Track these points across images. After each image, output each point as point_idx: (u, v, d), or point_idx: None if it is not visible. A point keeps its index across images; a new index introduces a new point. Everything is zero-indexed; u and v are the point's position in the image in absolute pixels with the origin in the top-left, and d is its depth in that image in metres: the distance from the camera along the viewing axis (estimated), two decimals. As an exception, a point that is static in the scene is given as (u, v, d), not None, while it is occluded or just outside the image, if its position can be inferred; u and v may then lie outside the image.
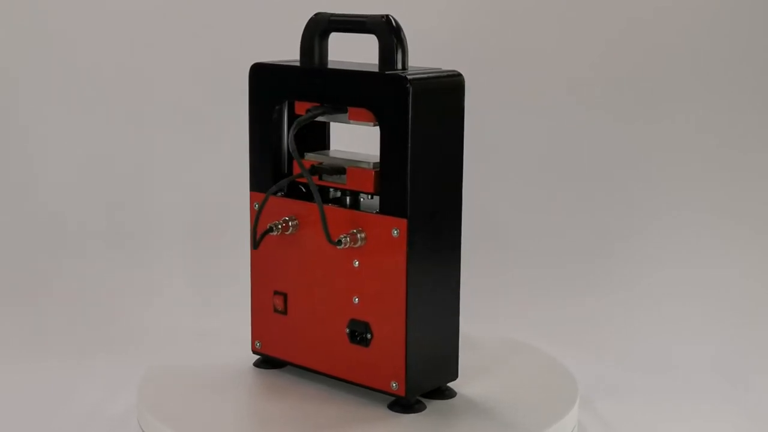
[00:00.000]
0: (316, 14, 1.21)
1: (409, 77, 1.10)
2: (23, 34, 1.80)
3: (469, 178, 1.86)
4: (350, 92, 1.15)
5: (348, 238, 1.14)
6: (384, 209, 1.13)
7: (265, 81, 1.23)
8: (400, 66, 1.14)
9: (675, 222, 1.84)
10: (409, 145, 1.11)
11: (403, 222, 1.12)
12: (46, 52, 1.81)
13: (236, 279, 1.71)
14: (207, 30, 1.83)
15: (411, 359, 1.14)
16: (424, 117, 1.12)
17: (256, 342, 1.29)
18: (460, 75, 1.15)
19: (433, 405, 1.19)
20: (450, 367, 1.20)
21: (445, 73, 1.15)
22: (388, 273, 1.14)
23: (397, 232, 1.12)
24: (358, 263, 1.16)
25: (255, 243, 1.20)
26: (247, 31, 1.81)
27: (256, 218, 1.19)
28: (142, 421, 1.21)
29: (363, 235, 1.15)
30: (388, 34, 1.14)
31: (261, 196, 1.23)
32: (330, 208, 1.18)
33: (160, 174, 1.82)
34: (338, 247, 1.14)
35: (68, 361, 1.51)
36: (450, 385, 1.23)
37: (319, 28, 1.20)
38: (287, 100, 1.22)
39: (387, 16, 1.15)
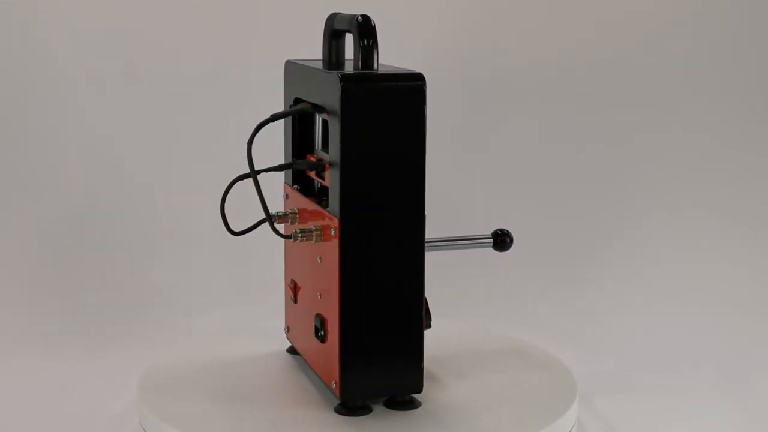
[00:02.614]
0: (331, 14, 1.22)
1: (345, 75, 1.09)
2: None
3: (467, 178, 1.88)
4: (319, 91, 1.16)
5: (300, 233, 1.15)
6: (330, 208, 1.14)
7: (291, 77, 1.26)
8: (374, 66, 1.13)
9: (675, 220, 1.84)
10: (340, 145, 1.09)
11: (337, 222, 1.11)
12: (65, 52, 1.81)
13: (247, 275, 1.72)
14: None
15: (345, 362, 1.13)
16: (362, 118, 1.10)
17: (286, 327, 1.32)
18: (420, 77, 1.11)
19: (393, 412, 1.18)
20: (408, 379, 1.16)
21: (403, 75, 1.11)
22: (332, 272, 1.13)
23: (333, 232, 1.12)
24: (320, 260, 1.16)
25: (229, 229, 1.20)
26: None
27: (221, 204, 1.19)
28: (143, 420, 1.22)
29: (319, 232, 1.15)
30: (358, 33, 1.14)
31: (290, 188, 1.27)
32: (309, 202, 1.20)
33: (178, 166, 1.82)
34: (292, 241, 1.16)
35: (69, 360, 1.51)
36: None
37: (329, 28, 1.23)
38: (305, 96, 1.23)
39: (360, 16, 1.14)
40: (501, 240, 1.25)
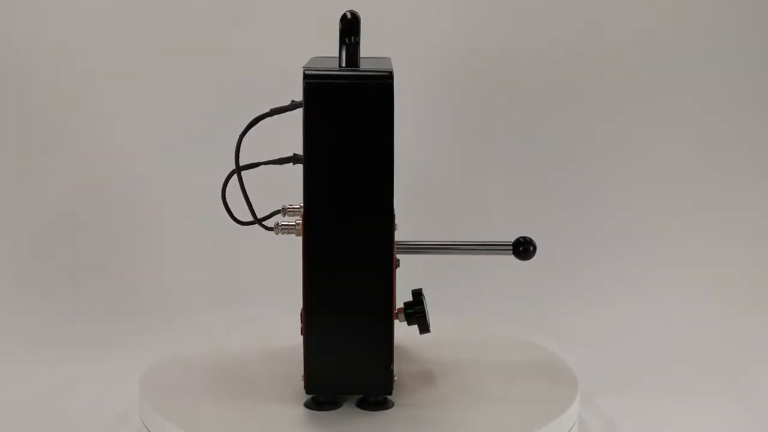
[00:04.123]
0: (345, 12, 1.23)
1: (309, 73, 1.10)
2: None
3: (465, 174, 1.87)
4: None
5: (280, 227, 1.18)
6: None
7: None
8: (357, 63, 1.14)
9: (676, 218, 1.84)
10: (303, 141, 1.11)
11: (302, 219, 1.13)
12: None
13: (248, 273, 1.71)
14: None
15: (309, 356, 1.15)
16: (325, 115, 1.10)
17: None
18: (388, 76, 1.11)
19: (364, 412, 1.18)
20: (376, 379, 1.15)
21: (371, 74, 1.11)
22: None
23: (300, 228, 1.14)
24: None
25: (234, 218, 1.22)
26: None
27: (222, 195, 1.22)
28: (144, 418, 1.22)
29: (300, 226, 1.16)
30: (341, 31, 1.14)
31: None
32: None
33: (178, 164, 1.81)
34: (275, 234, 1.18)
35: (69, 359, 1.51)
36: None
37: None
38: None
39: (349, 12, 1.15)
40: (524, 248, 1.22)
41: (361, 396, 1.19)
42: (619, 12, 1.89)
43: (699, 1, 1.88)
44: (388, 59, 1.29)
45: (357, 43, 1.14)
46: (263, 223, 1.23)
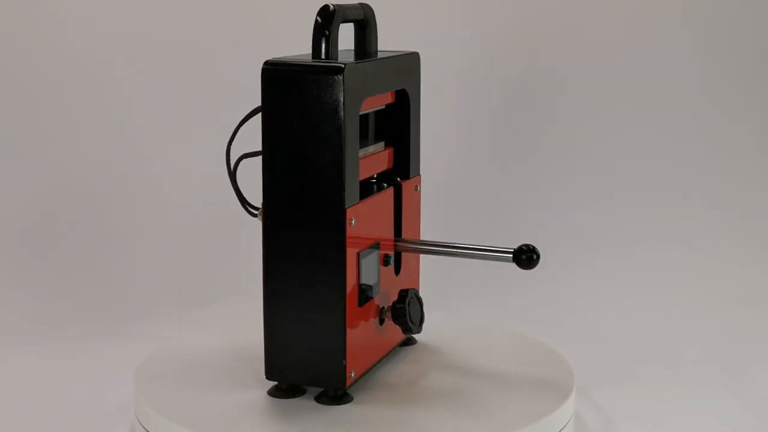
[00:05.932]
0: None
1: (267, 65, 1.11)
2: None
3: (465, 170, 1.88)
4: None
5: (259, 215, 1.19)
6: None
7: None
8: (330, 55, 1.15)
9: (676, 215, 1.84)
10: (261, 130, 1.12)
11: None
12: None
13: (248, 268, 1.71)
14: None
15: (267, 344, 1.16)
16: (278, 106, 1.11)
17: None
18: (339, 71, 1.10)
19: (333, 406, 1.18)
20: (330, 373, 1.15)
21: (324, 67, 1.11)
22: None
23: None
24: None
25: (246, 203, 1.24)
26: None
27: (231, 181, 1.23)
28: (138, 412, 1.22)
29: None
30: (316, 24, 1.15)
31: None
32: None
33: (177, 163, 1.82)
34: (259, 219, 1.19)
35: (67, 354, 1.51)
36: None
37: None
38: None
39: (331, 5, 1.16)
40: (527, 257, 1.20)
41: (322, 389, 1.19)
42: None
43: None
44: (415, 54, 1.30)
45: (330, 35, 1.14)
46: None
